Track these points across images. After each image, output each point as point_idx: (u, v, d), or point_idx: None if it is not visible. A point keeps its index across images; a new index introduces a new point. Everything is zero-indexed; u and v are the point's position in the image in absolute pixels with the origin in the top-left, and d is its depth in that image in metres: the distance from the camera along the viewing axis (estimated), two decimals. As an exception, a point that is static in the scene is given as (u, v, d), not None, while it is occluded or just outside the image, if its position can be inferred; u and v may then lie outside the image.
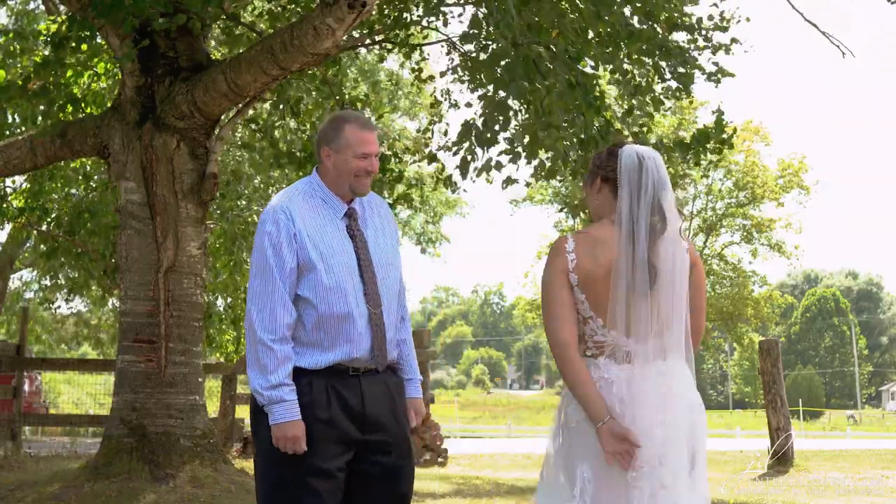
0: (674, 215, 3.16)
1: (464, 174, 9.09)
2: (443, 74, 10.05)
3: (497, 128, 8.68)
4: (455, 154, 9.07)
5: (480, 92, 9.03)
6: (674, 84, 9.34)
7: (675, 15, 9.17)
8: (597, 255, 3.12)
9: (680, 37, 9.43)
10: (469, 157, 8.95)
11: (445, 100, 10.65)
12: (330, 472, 3.34)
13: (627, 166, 3.15)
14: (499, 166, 8.94)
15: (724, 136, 9.43)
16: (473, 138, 8.76)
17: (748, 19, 10.30)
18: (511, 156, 8.90)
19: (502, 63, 8.04)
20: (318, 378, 3.37)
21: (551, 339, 3.12)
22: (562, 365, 3.10)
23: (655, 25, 8.80)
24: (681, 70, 9.11)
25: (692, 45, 9.41)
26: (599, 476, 3.05)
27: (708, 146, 9.36)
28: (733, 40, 9.72)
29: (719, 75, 9.48)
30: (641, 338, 3.10)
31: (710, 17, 9.64)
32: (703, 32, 9.46)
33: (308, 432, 3.34)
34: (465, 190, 9.59)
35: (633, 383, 3.07)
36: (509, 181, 9.23)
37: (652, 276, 3.10)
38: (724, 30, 9.69)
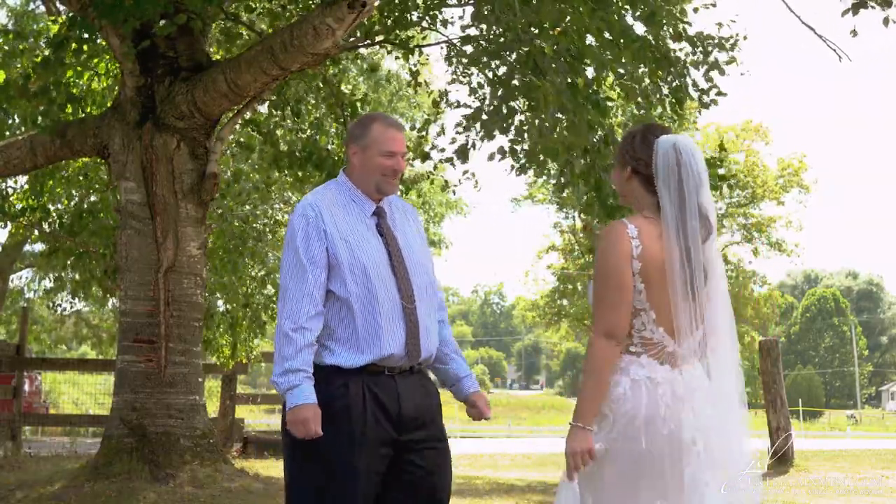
0: (713, 216, 3.01)
1: (463, 160, 9.10)
2: (450, 57, 9.91)
3: (503, 116, 8.63)
4: (453, 141, 9.08)
5: (484, 78, 8.99)
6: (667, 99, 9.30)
7: (680, 27, 9.11)
8: (660, 247, 2.94)
9: (682, 49, 9.37)
10: (470, 146, 8.95)
11: (443, 100, 10.64)
12: (364, 473, 3.27)
13: (665, 165, 2.95)
14: (513, 152, 8.89)
15: (720, 172, 9.44)
16: (478, 125, 8.74)
17: (745, 38, 10.16)
18: (514, 154, 8.87)
19: (504, 55, 8.03)
20: (354, 380, 3.31)
21: (604, 327, 2.90)
22: (598, 359, 2.90)
23: (664, 31, 8.74)
24: (677, 83, 9.06)
25: (689, 58, 9.35)
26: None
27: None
28: (732, 59, 9.63)
29: (712, 92, 9.42)
30: (686, 340, 2.96)
31: (711, 38, 9.55)
32: (704, 47, 9.38)
33: (346, 434, 3.26)
34: (459, 183, 9.59)
35: (678, 387, 2.94)
36: (522, 168, 9.09)
37: (703, 278, 2.96)
38: (731, 48, 9.60)
